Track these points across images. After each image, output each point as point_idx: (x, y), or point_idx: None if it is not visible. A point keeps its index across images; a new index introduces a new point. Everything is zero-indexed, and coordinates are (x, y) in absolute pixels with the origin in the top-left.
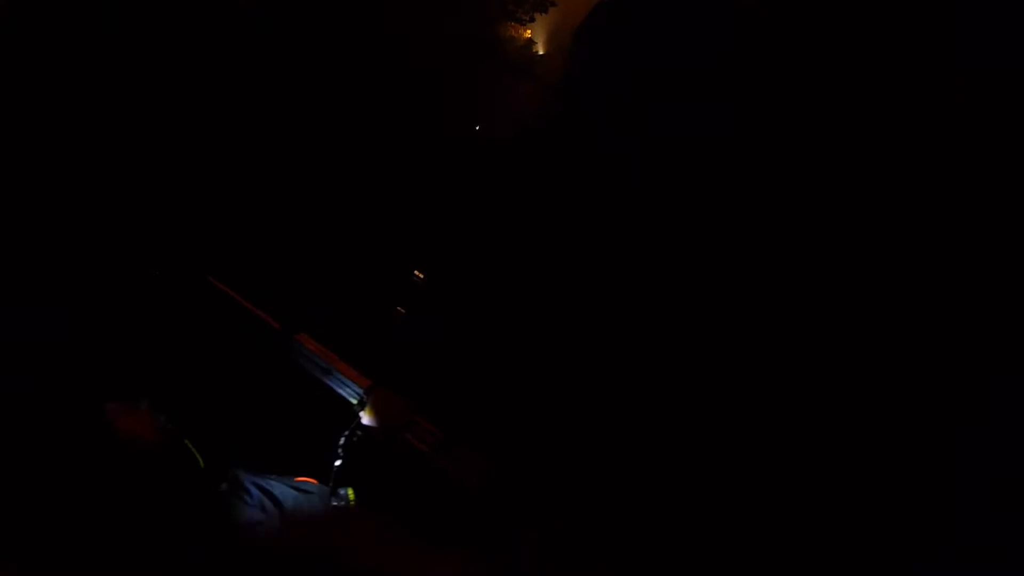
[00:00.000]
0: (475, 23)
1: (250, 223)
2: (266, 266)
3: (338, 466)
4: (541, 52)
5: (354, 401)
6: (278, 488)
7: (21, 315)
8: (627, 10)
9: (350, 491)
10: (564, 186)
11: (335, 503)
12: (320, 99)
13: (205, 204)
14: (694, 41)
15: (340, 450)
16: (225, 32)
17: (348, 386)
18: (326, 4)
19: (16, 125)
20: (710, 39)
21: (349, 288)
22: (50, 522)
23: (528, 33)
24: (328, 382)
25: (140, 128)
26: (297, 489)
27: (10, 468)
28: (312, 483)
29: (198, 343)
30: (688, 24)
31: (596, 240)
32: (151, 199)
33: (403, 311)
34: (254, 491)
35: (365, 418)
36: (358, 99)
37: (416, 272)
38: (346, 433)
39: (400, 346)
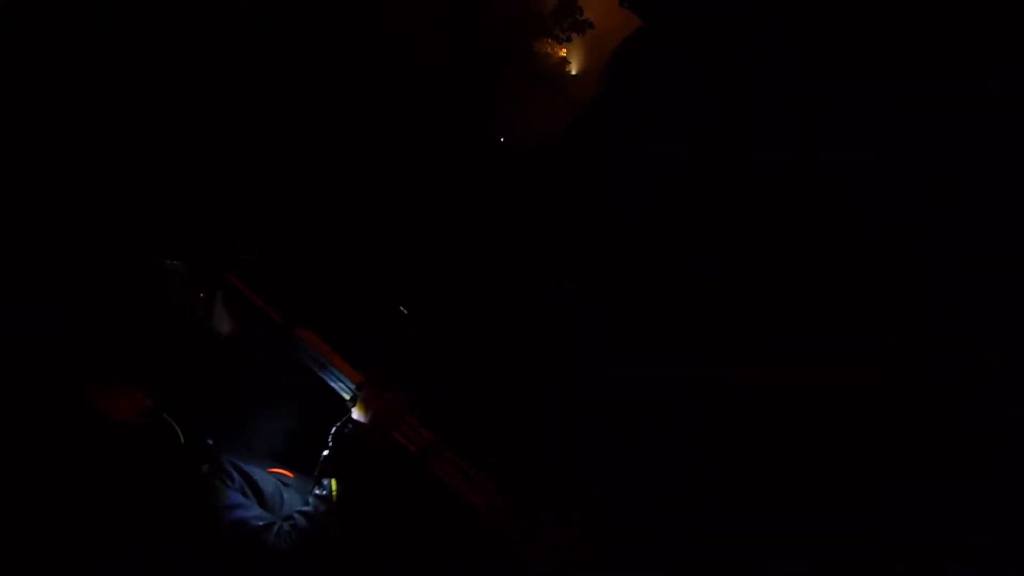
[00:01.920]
0: (512, 35)
1: (259, 221)
2: (274, 263)
3: (325, 456)
4: (574, 72)
5: (347, 396)
6: (258, 474)
7: (21, 315)
8: (663, 41)
9: (334, 482)
10: (579, 202)
11: (317, 492)
12: (334, 106)
13: (211, 202)
14: (729, 83)
15: (329, 440)
16: (225, 32)
17: (342, 381)
18: (339, 13)
19: (16, 125)
20: (747, 80)
21: (355, 287)
22: (49, 521)
23: (563, 52)
24: (323, 376)
25: (140, 128)
26: (275, 478)
27: (10, 468)
28: (288, 475)
29: (195, 331)
30: (725, 63)
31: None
32: (151, 198)
33: (405, 310)
34: (235, 475)
35: (356, 413)
36: (373, 101)
37: (401, 308)
38: (337, 425)
39: (401, 345)
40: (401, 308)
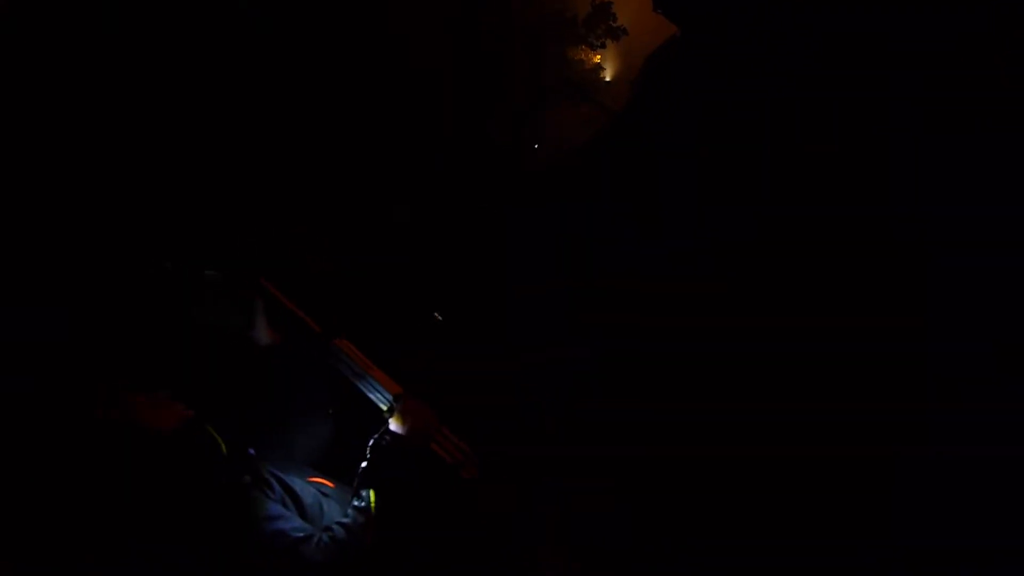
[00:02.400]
0: (546, 42)
1: (259, 221)
2: (307, 271)
3: (364, 468)
4: (608, 79)
5: (384, 407)
6: (298, 484)
7: (21, 315)
8: (696, 51)
9: (372, 494)
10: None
11: (356, 504)
12: (335, 106)
13: (211, 203)
14: (751, 80)
15: (368, 452)
16: (225, 32)
17: (379, 392)
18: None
19: (16, 125)
20: (767, 77)
21: (391, 294)
22: (52, 520)
23: (597, 58)
24: (360, 386)
25: (140, 128)
26: (315, 488)
27: (10, 468)
28: (328, 485)
29: (232, 338)
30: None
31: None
32: (151, 199)
33: (440, 317)
34: (276, 486)
35: (393, 425)
36: (374, 102)
37: (436, 315)
38: (375, 437)
39: (436, 356)
40: (436, 315)
